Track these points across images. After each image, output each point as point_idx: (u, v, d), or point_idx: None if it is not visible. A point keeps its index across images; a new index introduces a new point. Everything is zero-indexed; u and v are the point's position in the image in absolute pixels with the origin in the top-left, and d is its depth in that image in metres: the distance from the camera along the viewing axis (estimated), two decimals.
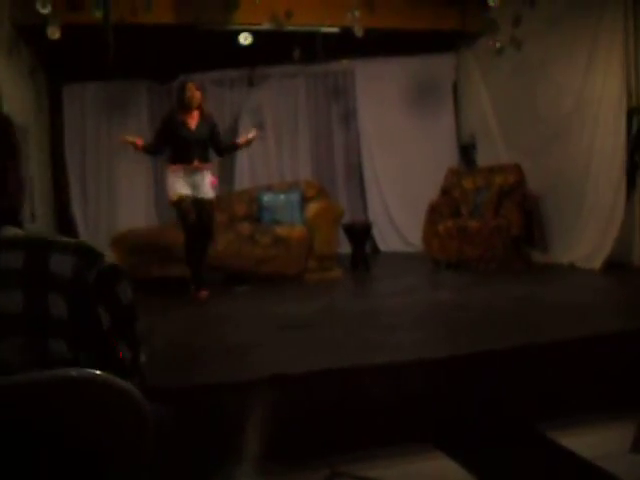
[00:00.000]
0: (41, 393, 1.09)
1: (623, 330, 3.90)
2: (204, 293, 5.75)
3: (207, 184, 5.83)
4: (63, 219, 8.69)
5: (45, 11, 5.93)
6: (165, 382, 2.22)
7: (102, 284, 1.33)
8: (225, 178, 8.43)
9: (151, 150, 6.00)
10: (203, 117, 5.85)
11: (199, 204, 5.77)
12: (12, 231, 1.33)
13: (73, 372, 1.13)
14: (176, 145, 5.76)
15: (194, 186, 5.75)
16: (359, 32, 6.73)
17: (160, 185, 8.98)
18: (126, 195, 8.89)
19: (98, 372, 1.13)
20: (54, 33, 6.00)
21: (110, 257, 1.37)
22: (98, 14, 6.03)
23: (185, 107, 5.79)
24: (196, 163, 5.73)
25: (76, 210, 8.80)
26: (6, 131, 1.40)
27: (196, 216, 5.76)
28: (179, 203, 5.72)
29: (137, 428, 1.15)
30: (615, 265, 6.24)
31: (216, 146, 6.03)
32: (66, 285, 1.28)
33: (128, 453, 1.16)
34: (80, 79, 8.57)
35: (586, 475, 2.90)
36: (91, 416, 1.13)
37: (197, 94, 5.80)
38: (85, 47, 6.67)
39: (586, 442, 3.14)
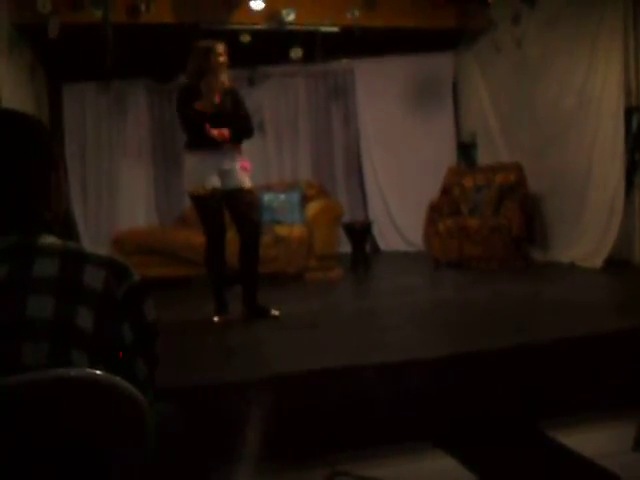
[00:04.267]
0: (40, 392, 1.09)
1: (624, 328, 3.90)
2: (222, 318, 4.68)
3: (238, 170, 4.62)
4: (63, 218, 8.69)
5: (45, 10, 5.94)
6: (164, 381, 2.21)
7: (130, 300, 1.35)
8: None
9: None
10: (224, 88, 4.65)
11: (233, 198, 4.59)
12: (50, 239, 1.35)
13: (72, 371, 1.13)
14: (198, 124, 4.52)
15: (223, 174, 4.55)
16: (358, 31, 6.77)
17: (161, 184, 9.03)
18: (126, 194, 8.87)
19: (98, 372, 1.13)
20: (54, 32, 6.01)
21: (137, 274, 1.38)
22: (97, 14, 6.04)
23: (210, 75, 4.57)
24: (225, 145, 4.54)
25: (76, 209, 8.77)
26: (47, 141, 1.43)
27: (234, 215, 4.68)
28: (204, 199, 4.54)
29: (137, 427, 1.15)
30: (616, 263, 6.24)
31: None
32: (96, 298, 1.30)
33: (128, 452, 1.16)
34: (80, 78, 8.57)
35: (587, 474, 2.90)
36: (90, 415, 1.13)
37: (226, 60, 4.61)
38: (85, 47, 6.67)
39: (587, 441, 3.14)
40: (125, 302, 1.33)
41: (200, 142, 4.53)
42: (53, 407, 1.10)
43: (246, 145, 4.86)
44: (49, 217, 1.41)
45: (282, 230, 6.71)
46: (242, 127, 4.69)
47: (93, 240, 8.42)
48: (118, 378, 1.13)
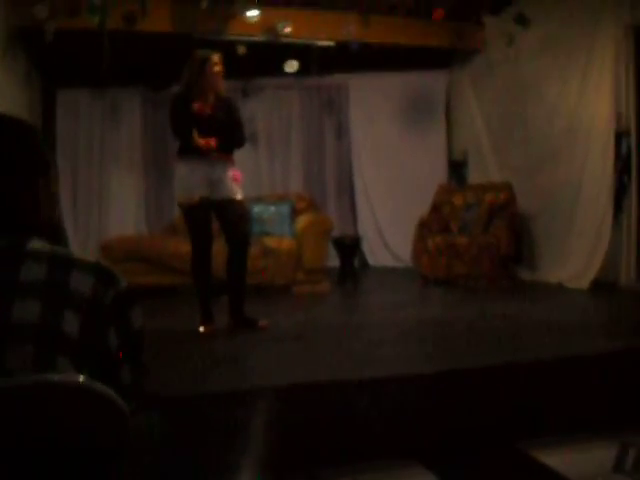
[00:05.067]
0: (23, 397, 1.09)
1: (608, 350, 3.92)
2: (207, 328, 4.67)
3: (229, 181, 4.59)
4: (54, 223, 8.64)
5: (41, 16, 5.95)
6: (149, 390, 2.22)
7: (117, 307, 1.35)
8: None
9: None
10: (219, 97, 4.66)
11: (223, 209, 4.58)
12: (38, 244, 1.35)
13: (55, 377, 1.13)
14: (188, 127, 4.52)
15: (213, 184, 4.54)
16: (355, 46, 6.82)
17: (151, 193, 9.02)
18: (117, 202, 8.87)
19: (81, 378, 1.13)
20: (49, 37, 6.02)
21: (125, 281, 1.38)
22: (94, 20, 6.05)
23: (206, 84, 4.58)
24: (215, 154, 4.53)
25: (66, 216, 8.76)
26: (38, 146, 1.42)
27: (223, 226, 4.65)
28: (191, 208, 4.55)
29: (117, 435, 1.15)
30: (603, 285, 6.27)
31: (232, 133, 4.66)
32: (83, 304, 1.29)
33: (108, 459, 1.16)
34: (74, 85, 8.57)
35: None
36: (72, 421, 1.13)
37: (221, 69, 4.62)
38: (81, 53, 6.69)
39: (569, 461, 3.14)
40: (112, 308, 1.33)
41: (191, 150, 4.53)
42: (35, 412, 1.10)
43: (238, 156, 4.86)
44: (40, 221, 1.41)
45: (271, 242, 6.71)
46: (233, 136, 4.67)
47: (82, 247, 8.41)
48: (100, 385, 1.13)
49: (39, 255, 1.32)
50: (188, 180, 4.54)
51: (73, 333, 1.26)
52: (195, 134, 4.50)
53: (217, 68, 4.60)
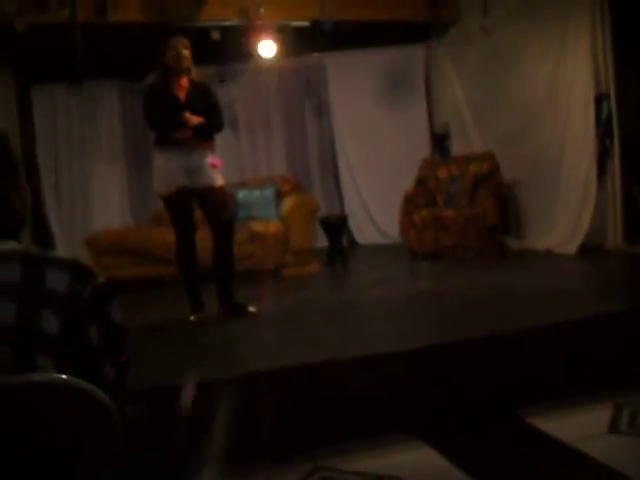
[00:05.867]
0: (4, 398, 1.08)
1: (598, 313, 3.94)
2: (198, 317, 4.64)
3: (208, 168, 4.50)
4: (36, 221, 8.60)
5: (10, 10, 5.87)
6: (140, 382, 2.20)
7: (95, 302, 1.34)
8: None
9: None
10: (193, 83, 4.59)
11: (204, 197, 4.53)
12: (11, 245, 1.34)
13: (36, 376, 1.12)
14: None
15: (191, 172, 4.46)
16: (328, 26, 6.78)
17: (134, 184, 8.97)
18: (100, 195, 8.81)
19: (63, 376, 1.12)
20: (19, 31, 5.95)
21: (102, 275, 1.36)
22: (64, 13, 5.99)
23: (171, 71, 4.52)
24: (191, 142, 4.44)
25: (50, 212, 8.70)
26: (6, 147, 1.40)
27: (205, 215, 4.61)
28: (170, 198, 4.50)
29: (104, 431, 1.14)
30: (590, 249, 6.30)
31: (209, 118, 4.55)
32: (60, 301, 1.28)
33: (95, 456, 1.15)
34: (49, 79, 8.47)
35: (566, 458, 2.92)
36: (56, 420, 1.11)
37: (186, 54, 4.50)
38: (53, 47, 6.60)
39: (565, 426, 3.17)
40: (90, 304, 1.32)
41: (167, 139, 4.47)
42: (18, 412, 1.09)
43: (219, 141, 4.82)
44: (13, 222, 1.39)
45: (258, 226, 6.69)
46: (210, 122, 4.55)
47: (69, 243, 8.35)
48: (84, 382, 1.12)
49: (12, 256, 1.30)
50: (166, 170, 4.47)
51: (52, 332, 1.25)
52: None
53: (174, 52, 4.48)
